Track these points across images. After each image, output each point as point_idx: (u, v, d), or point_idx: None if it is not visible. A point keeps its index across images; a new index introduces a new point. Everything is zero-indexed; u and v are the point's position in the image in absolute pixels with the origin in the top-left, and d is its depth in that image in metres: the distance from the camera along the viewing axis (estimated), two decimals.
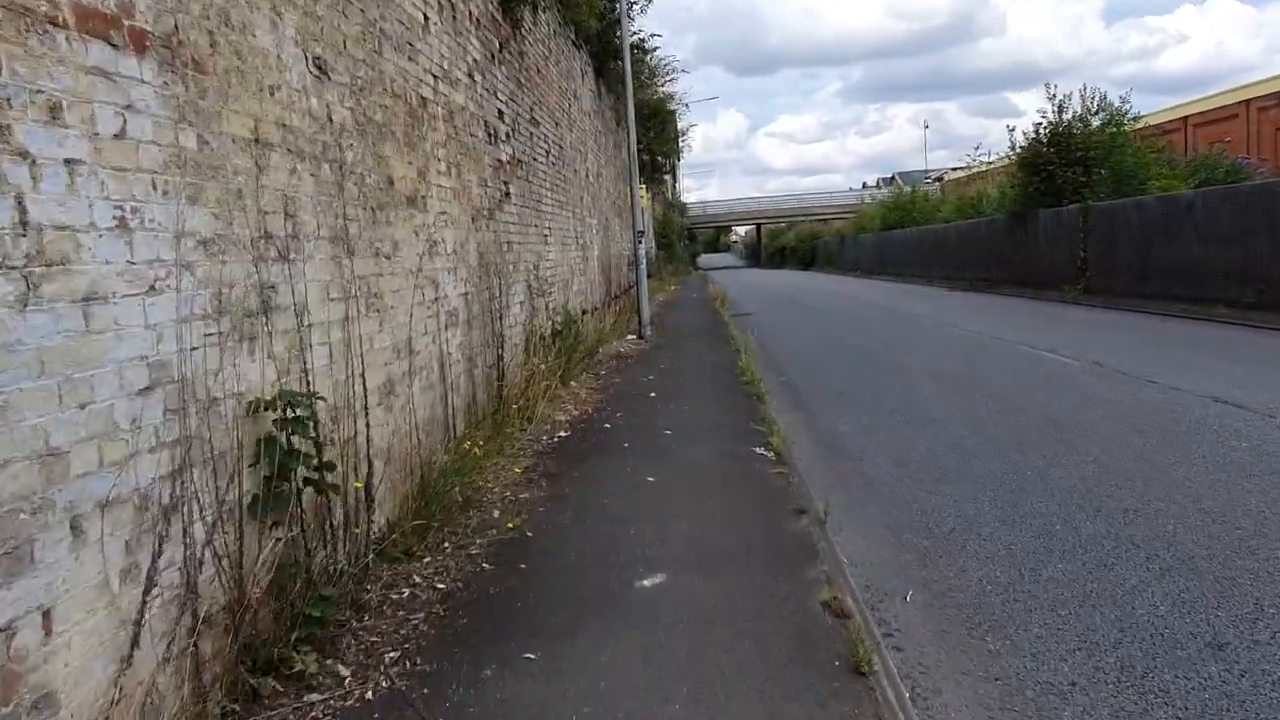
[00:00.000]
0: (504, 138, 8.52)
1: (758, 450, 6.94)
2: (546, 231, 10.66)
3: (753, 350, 13.81)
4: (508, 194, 8.54)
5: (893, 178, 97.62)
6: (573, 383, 10.39)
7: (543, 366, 8.28)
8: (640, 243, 16.77)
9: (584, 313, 13.58)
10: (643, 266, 16.77)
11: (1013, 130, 25.74)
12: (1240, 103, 34.95)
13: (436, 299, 6.01)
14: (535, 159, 10.16)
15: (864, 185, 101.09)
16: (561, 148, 12.32)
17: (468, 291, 6.82)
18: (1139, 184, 20.95)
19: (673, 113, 27.79)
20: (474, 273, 7.02)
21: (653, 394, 9.84)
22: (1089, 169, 23.03)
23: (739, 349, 14.00)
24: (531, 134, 9.99)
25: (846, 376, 11.16)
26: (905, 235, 39.80)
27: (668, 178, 44.45)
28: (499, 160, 8.24)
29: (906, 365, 11.64)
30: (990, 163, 37.57)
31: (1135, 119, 23.51)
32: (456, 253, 6.54)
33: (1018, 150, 25.47)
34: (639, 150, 26.59)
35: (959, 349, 13.03)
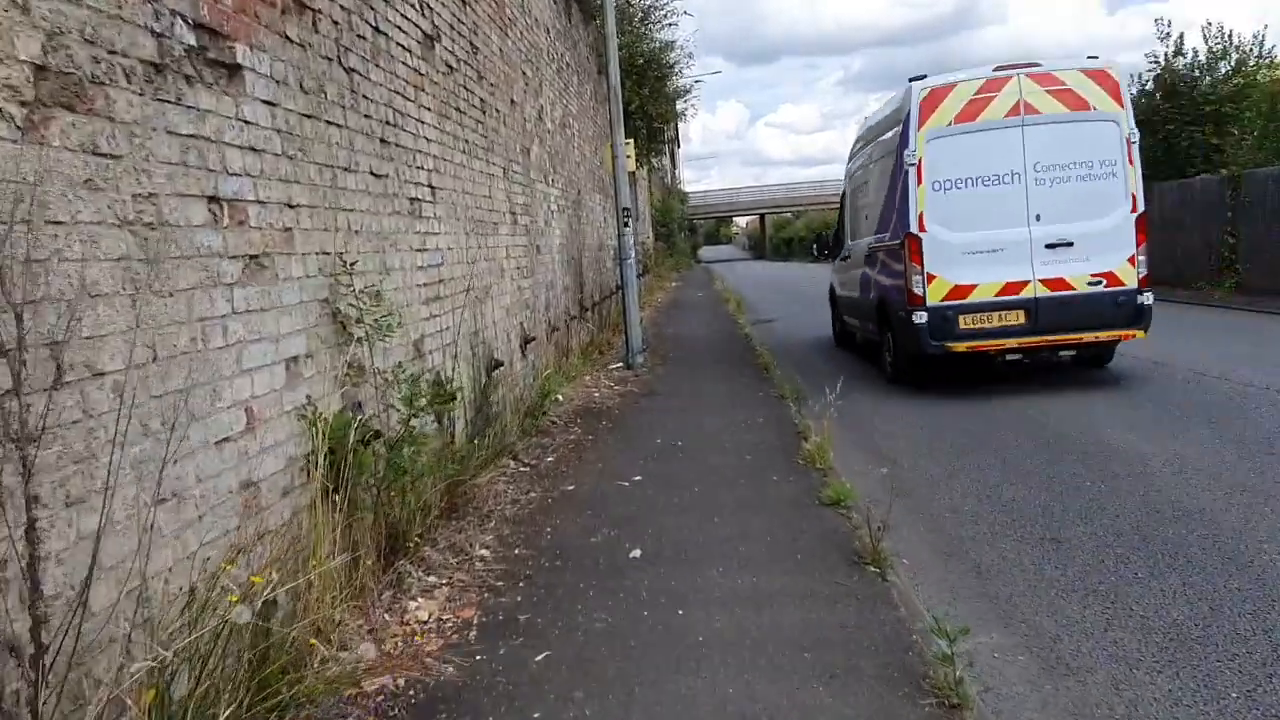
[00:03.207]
0: None
1: None
2: (418, 193, 5.17)
3: (807, 397, 8.40)
4: (230, 68, 3.07)
5: None
6: (482, 488, 4.92)
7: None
8: (628, 225, 11.29)
9: (527, 342, 8.09)
10: (631, 261, 11.27)
11: None
12: None
13: None
14: (381, 30, 4.68)
15: None
16: (475, 48, 6.83)
17: None
18: None
19: (672, 66, 22.24)
20: None
21: (637, 551, 4.36)
22: (1221, 127, 17.51)
23: (783, 393, 8.57)
24: None
25: (1027, 479, 5.67)
26: None
27: (665, 151, 38.75)
28: None
29: (1127, 449, 6.15)
30: None
31: (1276, 63, 17.99)
32: None
33: None
34: (628, 108, 21.09)
35: (1225, 414, 7.52)
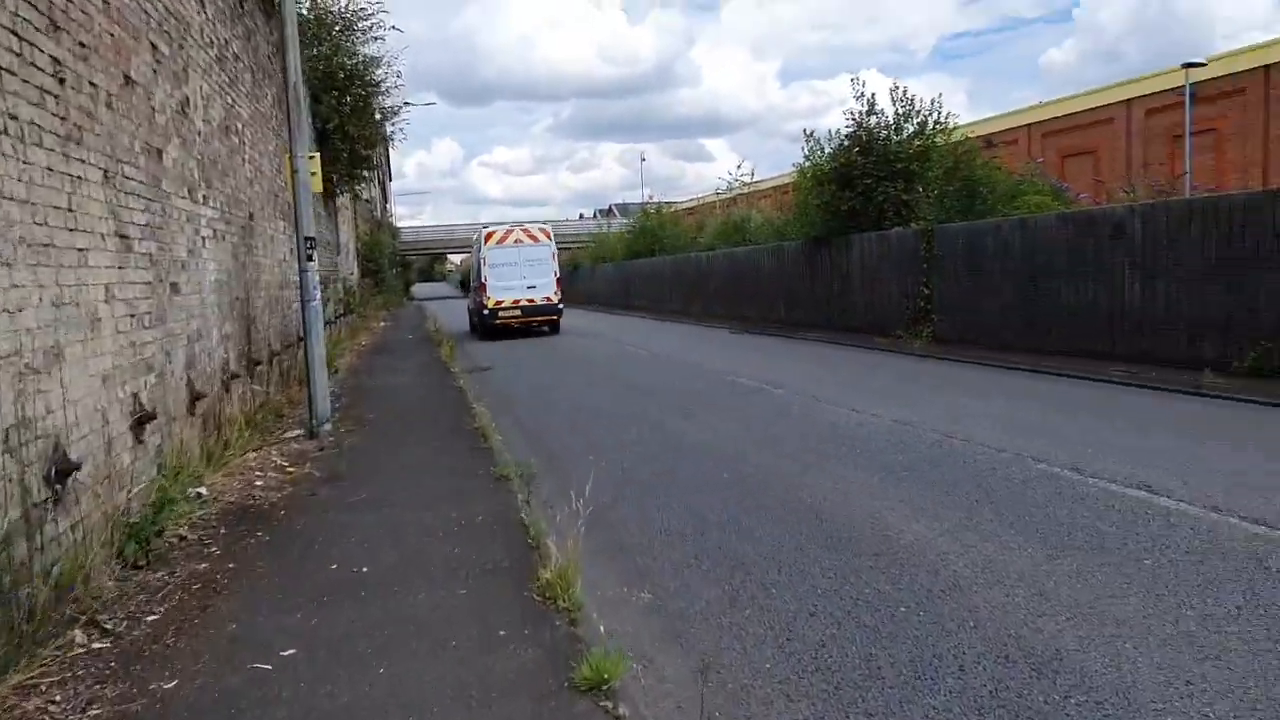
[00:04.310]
0: None
1: None
2: None
3: (535, 475, 6.92)
4: None
5: (610, 209, 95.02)
6: None
7: None
8: (312, 258, 9.08)
9: (144, 421, 5.68)
10: (315, 304, 9.05)
11: (810, 135, 20.96)
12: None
13: None
14: None
15: (580, 216, 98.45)
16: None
17: None
18: (999, 202, 16.53)
19: (378, 84, 19.88)
20: None
21: None
22: (910, 183, 18.63)
23: (506, 473, 6.95)
24: None
25: (826, 604, 4.42)
26: (658, 265, 34.64)
27: (374, 180, 35.69)
28: None
29: (921, 545, 5.15)
30: (747, 184, 33.75)
31: (950, 129, 19.43)
32: None
33: (816, 161, 20.74)
34: (326, 125, 18.56)
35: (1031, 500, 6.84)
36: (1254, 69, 27.21)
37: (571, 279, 50.58)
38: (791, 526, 5.59)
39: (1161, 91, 29.32)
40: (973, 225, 15.47)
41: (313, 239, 9.16)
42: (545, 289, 23.26)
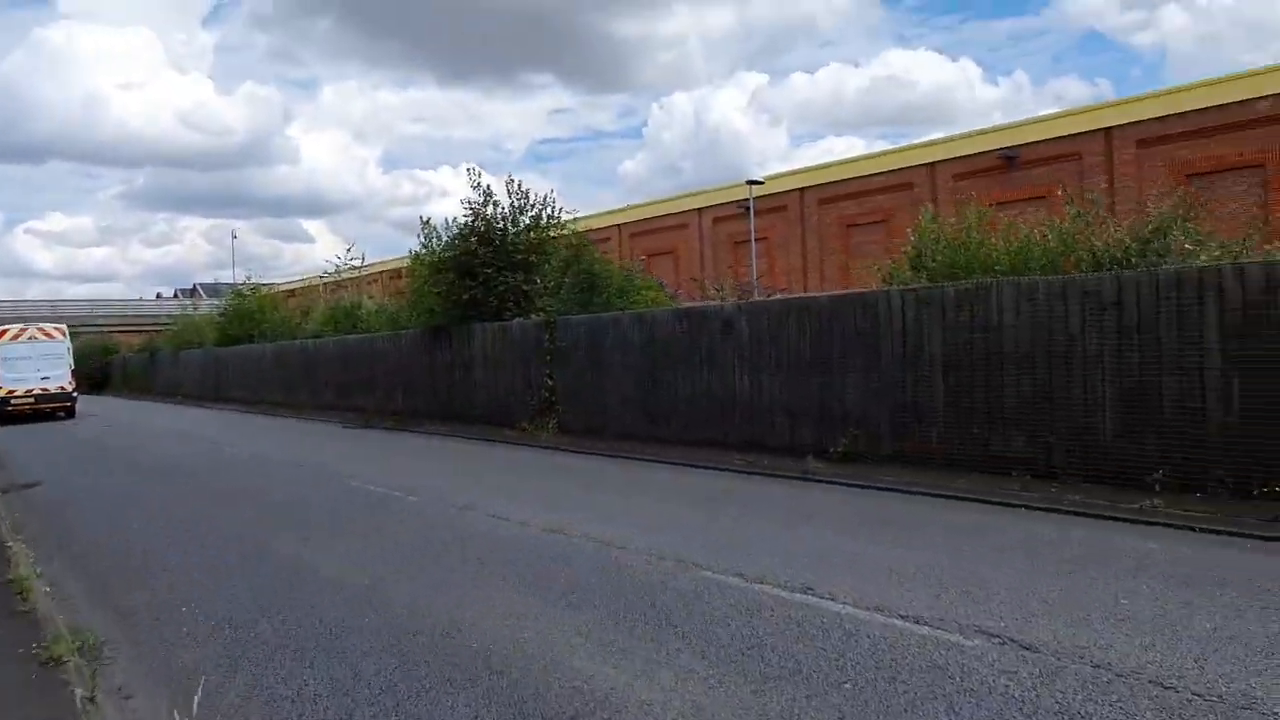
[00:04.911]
0: None
1: None
2: None
3: (103, 645, 5.25)
4: None
5: (194, 289, 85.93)
6: None
7: None
8: None
9: None
10: None
11: (428, 223, 20.35)
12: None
13: None
14: None
15: (158, 296, 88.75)
16: None
17: None
18: (615, 296, 17.17)
19: None
20: None
21: None
22: (529, 274, 18.79)
23: (55, 650, 5.17)
24: None
25: None
26: (257, 351, 31.21)
27: None
28: None
29: (615, 693, 4.52)
30: (357, 268, 32.14)
31: (564, 222, 20.07)
32: None
33: (433, 249, 20.14)
34: None
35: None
36: (791, 190, 32.49)
37: (149, 367, 43.90)
38: (464, 688, 4.65)
39: (725, 203, 33.74)
40: (594, 317, 15.88)
41: None
42: (59, 379, 28.00)
